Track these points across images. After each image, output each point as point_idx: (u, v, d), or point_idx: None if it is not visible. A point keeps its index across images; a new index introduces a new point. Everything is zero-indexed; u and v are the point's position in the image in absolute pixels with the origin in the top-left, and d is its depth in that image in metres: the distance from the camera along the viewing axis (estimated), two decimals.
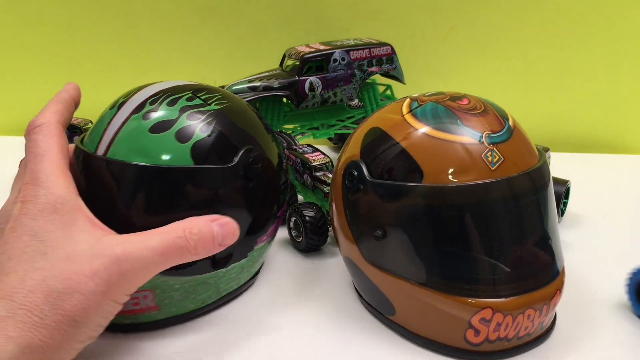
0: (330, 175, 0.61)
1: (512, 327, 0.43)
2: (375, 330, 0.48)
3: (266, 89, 0.75)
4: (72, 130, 0.80)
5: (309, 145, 0.68)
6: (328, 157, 0.64)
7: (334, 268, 0.57)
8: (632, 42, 0.92)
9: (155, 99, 0.45)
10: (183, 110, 0.45)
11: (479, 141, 0.42)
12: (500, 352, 0.44)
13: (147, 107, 0.45)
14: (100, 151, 0.44)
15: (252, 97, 0.74)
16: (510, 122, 0.45)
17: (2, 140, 1.03)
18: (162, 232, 0.39)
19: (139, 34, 0.99)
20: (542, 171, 0.44)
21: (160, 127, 0.43)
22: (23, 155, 0.77)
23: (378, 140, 0.45)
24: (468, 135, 0.42)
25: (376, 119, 0.47)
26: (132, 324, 0.46)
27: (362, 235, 0.46)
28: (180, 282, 0.45)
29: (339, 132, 0.83)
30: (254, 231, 0.48)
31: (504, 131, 0.43)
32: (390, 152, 0.44)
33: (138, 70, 1.00)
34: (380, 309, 0.48)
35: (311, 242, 0.59)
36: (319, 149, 0.66)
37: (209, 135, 0.44)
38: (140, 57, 0.99)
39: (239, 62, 0.97)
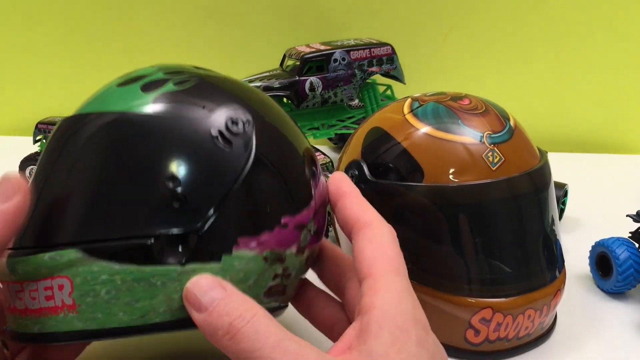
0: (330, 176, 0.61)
1: (513, 327, 0.43)
2: None
3: (266, 89, 0.75)
4: None
5: None
6: (328, 157, 0.64)
7: None
8: (632, 42, 0.92)
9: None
10: (164, 68, 0.37)
11: (480, 141, 0.42)
12: (500, 352, 0.44)
13: (132, 71, 0.38)
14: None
15: None
16: (512, 122, 0.45)
17: (2, 140, 1.03)
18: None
19: (139, 34, 0.99)
20: (542, 171, 0.44)
21: (130, 80, 0.36)
22: (23, 155, 0.78)
23: (379, 140, 0.45)
24: (469, 135, 0.42)
25: (377, 119, 0.47)
26: (40, 333, 0.32)
27: None
28: (108, 272, 0.30)
29: (339, 132, 0.83)
30: (231, 222, 0.32)
31: (504, 131, 0.43)
32: (391, 152, 0.44)
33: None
34: None
35: None
36: (319, 149, 0.67)
37: (181, 90, 0.35)
38: (140, 57, 0.99)
39: (239, 62, 0.97)
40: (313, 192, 0.36)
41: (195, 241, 0.31)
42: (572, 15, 0.92)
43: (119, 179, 0.32)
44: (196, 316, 0.29)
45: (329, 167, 0.63)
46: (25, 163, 0.78)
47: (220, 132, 0.33)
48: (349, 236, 0.34)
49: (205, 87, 0.36)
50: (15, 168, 0.78)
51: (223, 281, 0.30)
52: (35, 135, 0.82)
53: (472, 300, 0.42)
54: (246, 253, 0.32)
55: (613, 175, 0.85)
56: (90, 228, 0.31)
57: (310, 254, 0.37)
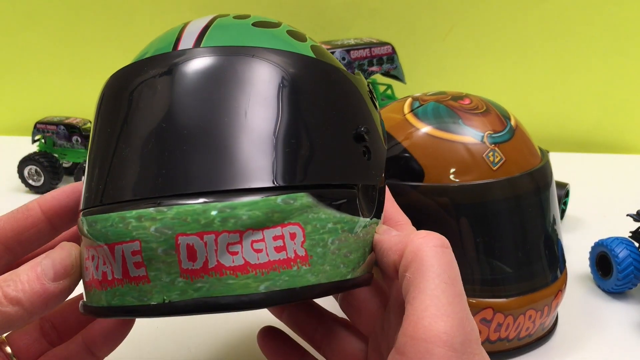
0: None
1: (513, 327, 0.42)
2: None
3: None
4: (71, 130, 0.79)
5: None
6: None
7: None
8: (632, 42, 0.92)
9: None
10: (280, 23, 0.35)
11: (481, 141, 0.42)
12: (501, 352, 0.44)
13: (233, 15, 0.35)
14: (186, 45, 0.31)
15: None
16: (512, 122, 0.45)
17: (2, 140, 1.03)
18: None
19: (139, 34, 0.99)
20: (544, 171, 0.44)
21: (266, 24, 0.33)
22: (22, 154, 0.78)
23: None
24: (470, 135, 0.42)
25: None
26: (271, 292, 0.26)
27: None
28: (333, 220, 0.28)
29: None
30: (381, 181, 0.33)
31: (505, 131, 0.43)
32: (391, 152, 0.44)
33: None
34: None
35: None
36: None
37: (316, 45, 0.34)
38: None
39: None
40: None
41: (376, 195, 0.32)
42: (573, 15, 0.92)
43: (328, 125, 0.30)
44: (384, 235, 0.30)
45: None
46: (23, 163, 0.78)
47: (370, 94, 0.35)
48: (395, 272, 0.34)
49: (322, 49, 0.35)
50: (14, 167, 0.78)
51: None
52: (34, 134, 0.82)
53: (473, 300, 0.42)
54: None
55: (614, 175, 0.85)
56: (318, 172, 0.28)
57: None
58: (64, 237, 0.33)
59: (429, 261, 0.27)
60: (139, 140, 0.27)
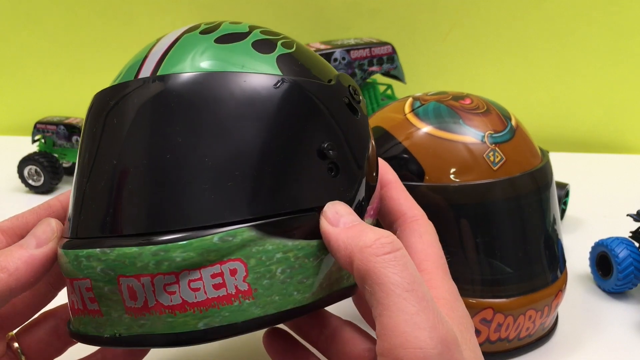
0: None
1: (513, 327, 0.42)
2: None
3: None
4: (71, 130, 0.79)
5: None
6: None
7: None
8: (632, 41, 0.92)
9: (206, 25, 0.33)
10: (253, 27, 0.33)
11: (481, 141, 0.42)
12: (501, 352, 0.44)
13: (203, 27, 0.33)
14: (145, 74, 0.30)
15: None
16: (513, 122, 0.45)
17: (2, 140, 1.03)
18: None
19: (139, 34, 0.99)
20: (544, 171, 0.44)
21: (230, 38, 0.31)
22: (22, 154, 0.77)
23: (380, 139, 0.45)
24: (470, 134, 0.42)
25: (378, 118, 0.47)
26: (210, 329, 0.27)
27: None
28: (283, 249, 0.28)
29: None
30: (366, 191, 0.32)
31: (506, 131, 0.43)
32: (392, 152, 0.44)
33: None
34: None
35: None
36: None
37: (292, 52, 0.32)
38: None
39: None
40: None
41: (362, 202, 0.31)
42: (573, 14, 0.92)
43: (279, 150, 0.29)
44: (329, 228, 0.28)
45: None
46: (23, 163, 0.78)
47: (349, 100, 0.32)
48: (391, 226, 0.34)
49: (305, 50, 0.33)
50: (14, 167, 0.78)
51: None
52: (33, 135, 0.82)
53: (473, 300, 0.42)
54: (368, 221, 0.33)
55: (614, 175, 0.85)
56: (262, 203, 0.28)
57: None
58: None
59: (383, 275, 0.25)
60: (95, 175, 0.29)
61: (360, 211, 0.31)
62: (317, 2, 0.94)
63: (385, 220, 0.35)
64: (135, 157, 0.28)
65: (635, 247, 0.51)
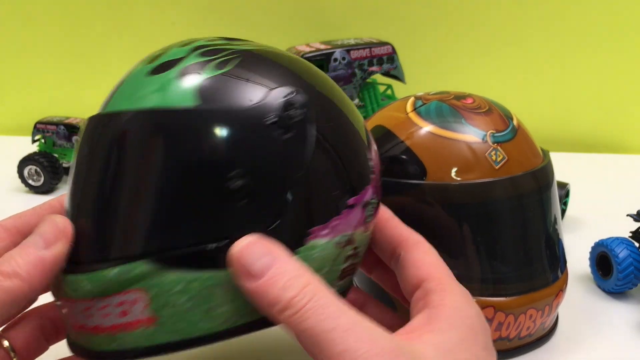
0: None
1: (514, 327, 0.42)
2: None
3: None
4: (71, 130, 0.79)
5: None
6: None
7: None
8: (632, 41, 0.92)
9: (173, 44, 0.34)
10: (197, 48, 0.33)
11: (483, 140, 0.42)
12: (501, 352, 0.44)
13: (158, 52, 0.34)
14: (102, 106, 0.33)
15: None
16: (515, 122, 0.45)
17: (2, 140, 1.03)
18: None
19: (139, 34, 0.99)
20: (545, 171, 0.44)
21: (163, 67, 0.32)
22: (22, 154, 0.77)
23: (382, 138, 0.45)
24: (472, 134, 0.42)
25: (380, 117, 0.47)
26: (119, 351, 0.29)
27: None
28: (184, 280, 0.29)
29: None
30: (301, 213, 0.31)
31: (508, 130, 0.43)
32: (394, 150, 0.44)
33: None
34: None
35: None
36: None
37: (224, 72, 0.31)
38: (140, 56, 0.99)
39: None
40: (371, 165, 0.34)
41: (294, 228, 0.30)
42: (573, 14, 0.92)
43: (180, 183, 0.29)
44: (246, 283, 0.27)
45: None
46: (23, 163, 0.78)
47: (277, 120, 0.30)
48: (392, 254, 0.35)
49: (251, 65, 0.32)
50: (14, 167, 0.78)
51: (271, 244, 0.28)
52: (33, 135, 0.82)
53: (474, 299, 0.42)
54: (319, 242, 0.31)
55: (614, 175, 0.85)
56: (158, 237, 0.29)
57: (374, 225, 0.35)
58: None
59: (313, 327, 0.26)
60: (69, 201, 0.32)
61: (299, 235, 0.30)
62: (317, 2, 0.94)
63: (386, 250, 0.35)
64: (77, 193, 0.32)
65: (635, 247, 0.51)
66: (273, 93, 0.31)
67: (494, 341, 0.42)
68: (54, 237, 0.29)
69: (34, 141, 0.82)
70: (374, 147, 0.36)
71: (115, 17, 0.98)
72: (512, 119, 0.45)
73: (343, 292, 0.34)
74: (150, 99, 0.30)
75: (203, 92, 0.30)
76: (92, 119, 0.32)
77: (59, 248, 0.29)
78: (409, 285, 0.32)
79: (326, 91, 0.33)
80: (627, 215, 0.54)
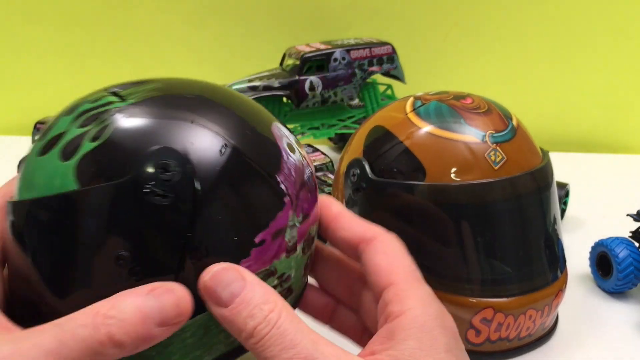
0: (330, 176, 0.61)
1: (514, 327, 0.42)
2: None
3: (266, 88, 0.75)
4: None
5: (309, 145, 0.68)
6: (328, 157, 0.64)
7: None
8: (632, 41, 0.92)
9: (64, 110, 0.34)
10: (80, 116, 0.32)
11: (482, 140, 0.42)
12: (501, 352, 0.44)
13: (50, 123, 0.33)
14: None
15: (252, 97, 0.74)
16: (514, 122, 0.45)
17: (2, 140, 1.03)
18: (63, 323, 0.27)
19: (139, 34, 0.99)
20: (545, 171, 0.44)
21: (49, 145, 0.31)
22: (22, 154, 0.77)
23: (381, 138, 0.45)
24: (471, 134, 0.42)
25: (379, 118, 0.47)
26: None
27: None
28: None
29: (339, 132, 0.82)
30: (202, 272, 0.30)
31: (507, 131, 0.43)
32: (393, 151, 0.44)
33: (138, 69, 1.00)
34: None
35: None
36: (319, 149, 0.67)
37: (101, 144, 0.30)
38: (140, 56, 0.99)
39: (239, 62, 0.97)
40: (284, 187, 0.32)
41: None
42: (574, 14, 0.92)
43: (72, 272, 0.29)
44: (216, 310, 0.27)
45: (329, 167, 0.63)
46: (23, 162, 0.77)
47: (152, 187, 0.29)
48: (354, 255, 0.33)
49: (122, 130, 0.30)
50: (13, 167, 0.78)
51: (243, 270, 0.28)
52: (34, 135, 0.82)
53: (474, 300, 0.42)
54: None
55: (614, 175, 0.85)
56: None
57: (306, 239, 0.33)
58: None
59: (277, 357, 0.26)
60: None
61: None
62: (317, 2, 0.94)
63: (346, 252, 0.34)
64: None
65: (635, 247, 0.51)
66: (146, 157, 0.29)
67: (494, 342, 0.43)
68: (173, 319, 0.27)
69: (34, 141, 0.82)
70: (291, 160, 0.33)
71: (115, 17, 0.98)
72: (511, 118, 0.45)
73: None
74: (36, 186, 0.31)
75: (80, 173, 0.29)
76: (12, 206, 0.32)
77: (170, 331, 0.27)
78: (375, 294, 0.31)
79: (215, 123, 0.31)
80: (627, 215, 0.54)
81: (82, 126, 0.30)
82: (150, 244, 0.29)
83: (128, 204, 0.29)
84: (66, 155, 0.30)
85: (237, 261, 0.29)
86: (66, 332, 0.26)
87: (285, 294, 0.33)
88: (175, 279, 0.28)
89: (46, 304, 0.30)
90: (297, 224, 0.32)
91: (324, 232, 0.34)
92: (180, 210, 0.29)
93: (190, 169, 0.29)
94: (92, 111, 0.31)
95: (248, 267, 0.30)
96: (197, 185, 0.29)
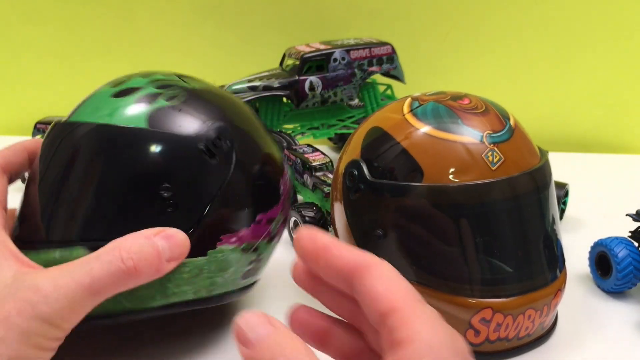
0: (330, 176, 0.61)
1: (513, 327, 0.42)
2: None
3: (266, 88, 0.75)
4: None
5: (309, 145, 0.68)
6: (328, 157, 0.64)
7: None
8: (632, 41, 0.92)
9: (135, 74, 0.44)
10: (155, 82, 0.42)
11: (480, 141, 0.42)
12: (500, 352, 0.44)
13: (122, 79, 0.43)
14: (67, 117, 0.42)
15: (252, 97, 0.74)
16: (512, 122, 0.45)
17: (2, 140, 1.03)
18: (91, 260, 0.33)
19: (139, 34, 0.99)
20: (543, 171, 0.44)
21: (125, 92, 0.41)
22: None
23: (379, 139, 0.45)
24: (469, 134, 0.42)
25: (377, 119, 0.47)
26: None
27: (362, 235, 0.46)
28: None
29: (339, 132, 0.82)
30: (215, 224, 0.40)
31: (504, 131, 0.43)
32: (390, 152, 0.44)
33: (138, 70, 1.00)
34: None
35: None
36: (318, 149, 0.66)
37: (173, 105, 0.40)
38: (140, 56, 0.99)
39: (239, 62, 0.97)
40: (281, 188, 0.45)
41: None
42: (573, 14, 0.92)
43: (119, 188, 0.38)
44: (242, 350, 0.28)
45: (329, 167, 0.63)
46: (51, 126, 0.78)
47: (207, 147, 0.39)
48: (348, 286, 0.31)
49: (193, 101, 0.41)
50: None
51: (272, 318, 0.29)
52: (34, 135, 0.82)
53: (472, 300, 0.42)
54: (227, 247, 0.40)
55: (614, 175, 0.85)
56: (95, 229, 0.37)
57: (278, 239, 0.46)
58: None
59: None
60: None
61: (211, 240, 0.39)
62: (317, 2, 0.94)
63: (338, 282, 0.32)
64: (37, 179, 0.40)
65: (634, 247, 0.51)
66: (207, 126, 0.40)
67: (493, 342, 0.43)
68: (179, 255, 0.37)
69: None
70: (288, 173, 0.47)
71: (115, 17, 0.98)
72: (508, 118, 0.45)
73: (248, 286, 0.44)
74: (111, 116, 0.39)
75: (152, 118, 0.39)
76: (57, 125, 0.41)
77: (174, 265, 0.37)
78: (375, 321, 0.29)
79: (249, 128, 0.43)
80: (627, 215, 0.54)
81: (158, 88, 0.41)
82: (189, 188, 0.38)
83: (184, 153, 0.39)
84: (142, 103, 0.40)
85: (238, 228, 0.40)
86: (95, 268, 0.33)
87: (254, 271, 0.44)
88: (195, 222, 0.38)
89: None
90: (280, 223, 0.45)
91: (314, 265, 0.32)
92: (218, 173, 0.40)
93: (235, 146, 0.41)
94: (165, 81, 0.42)
95: (243, 236, 0.41)
96: (234, 160, 0.40)
